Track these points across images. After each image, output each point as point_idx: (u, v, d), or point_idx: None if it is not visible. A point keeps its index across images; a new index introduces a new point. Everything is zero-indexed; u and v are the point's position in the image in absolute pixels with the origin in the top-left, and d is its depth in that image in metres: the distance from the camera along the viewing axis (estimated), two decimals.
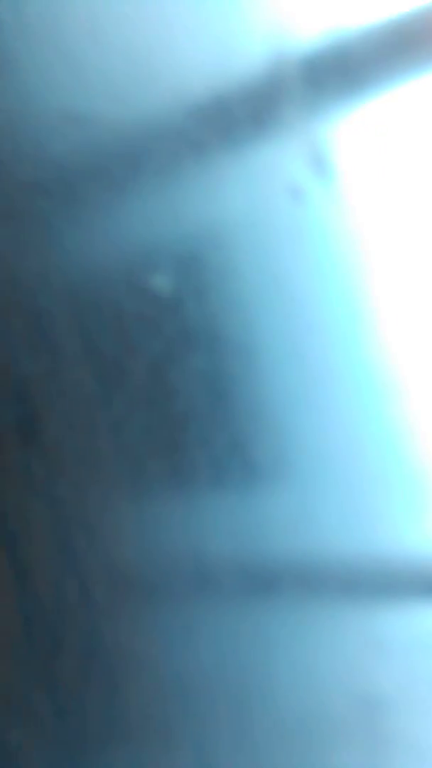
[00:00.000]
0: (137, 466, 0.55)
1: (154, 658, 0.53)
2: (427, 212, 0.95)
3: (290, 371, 0.70)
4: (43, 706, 0.45)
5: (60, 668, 0.47)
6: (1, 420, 0.46)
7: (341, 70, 0.93)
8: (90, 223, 0.53)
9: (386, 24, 1.11)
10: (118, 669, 0.51)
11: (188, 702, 0.56)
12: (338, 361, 0.75)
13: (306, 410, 0.71)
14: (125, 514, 0.53)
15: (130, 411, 0.54)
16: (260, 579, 0.64)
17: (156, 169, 0.61)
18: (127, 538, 0.53)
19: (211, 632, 0.59)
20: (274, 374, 0.68)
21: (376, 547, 0.78)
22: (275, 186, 0.76)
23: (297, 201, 0.78)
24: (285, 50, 0.83)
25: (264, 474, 0.65)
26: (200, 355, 0.60)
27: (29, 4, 0.52)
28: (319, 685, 0.71)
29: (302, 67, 0.85)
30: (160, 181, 0.60)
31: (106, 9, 0.60)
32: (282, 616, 0.66)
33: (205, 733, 0.57)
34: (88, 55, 0.56)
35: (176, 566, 0.56)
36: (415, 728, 0.88)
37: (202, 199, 0.65)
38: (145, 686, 0.52)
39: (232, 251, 0.68)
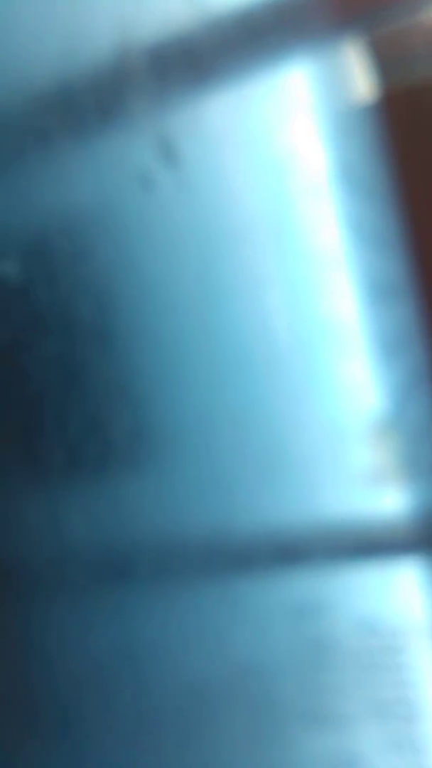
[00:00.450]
0: None
1: (12, 640, 0.54)
2: (274, 196, 0.98)
3: (144, 352, 0.72)
4: None
5: None
6: None
7: (188, 61, 0.95)
8: None
9: (234, 16, 1.13)
10: None
11: (50, 687, 0.56)
12: (192, 341, 0.78)
13: (161, 390, 0.73)
14: None
15: None
16: (120, 559, 0.65)
17: None
18: None
19: (71, 615, 0.60)
20: (128, 356, 0.70)
21: (234, 520, 0.81)
22: (124, 175, 0.77)
23: (147, 189, 0.80)
24: (131, 40, 0.85)
25: (121, 454, 0.67)
26: (52, 339, 0.61)
27: None
28: (193, 661, 0.73)
29: (149, 57, 0.87)
30: (3, 169, 0.61)
31: None
32: (144, 596, 0.68)
33: (71, 719, 0.58)
34: None
35: (33, 549, 0.57)
36: (299, 694, 0.91)
37: (48, 188, 0.66)
38: (1, 669, 0.53)
39: (83, 238, 0.69)
